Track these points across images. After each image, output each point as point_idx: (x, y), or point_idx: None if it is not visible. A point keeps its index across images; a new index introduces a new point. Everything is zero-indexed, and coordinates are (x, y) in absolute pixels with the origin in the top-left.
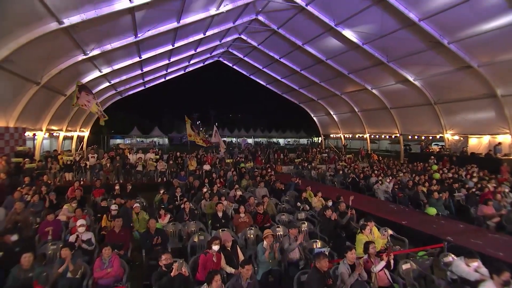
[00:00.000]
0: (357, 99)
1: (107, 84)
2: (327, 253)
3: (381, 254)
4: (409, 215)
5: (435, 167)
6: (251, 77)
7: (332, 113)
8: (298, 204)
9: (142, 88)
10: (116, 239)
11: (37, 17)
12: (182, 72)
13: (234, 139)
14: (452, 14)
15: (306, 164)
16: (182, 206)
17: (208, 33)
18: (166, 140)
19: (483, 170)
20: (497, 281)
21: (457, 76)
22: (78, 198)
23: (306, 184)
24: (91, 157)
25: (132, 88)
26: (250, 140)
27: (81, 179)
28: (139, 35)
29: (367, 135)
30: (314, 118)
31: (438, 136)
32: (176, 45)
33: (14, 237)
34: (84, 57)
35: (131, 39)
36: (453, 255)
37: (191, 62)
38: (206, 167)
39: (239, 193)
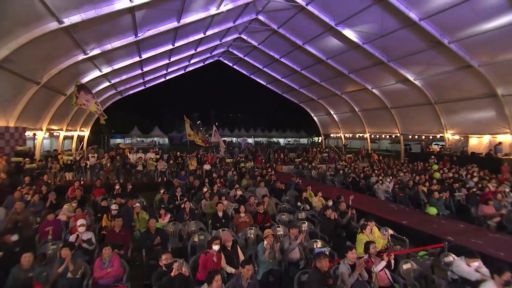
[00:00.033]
0: (357, 98)
1: (107, 83)
2: (327, 253)
3: (382, 254)
4: (409, 215)
5: (435, 166)
6: (251, 76)
7: (332, 112)
8: (299, 203)
9: (142, 87)
10: (116, 239)
11: (37, 17)
12: (182, 71)
13: (234, 138)
14: (452, 14)
15: (306, 164)
16: (182, 205)
17: (208, 32)
18: (166, 140)
19: (483, 170)
20: (498, 281)
21: (457, 76)
22: (78, 198)
23: (306, 183)
24: (91, 156)
25: (132, 88)
26: (250, 140)
27: (81, 178)
28: (139, 35)
29: (367, 135)
30: (314, 118)
31: (438, 136)
32: (176, 44)
33: (14, 237)
34: (84, 56)
35: (131, 39)
36: (453, 255)
37: (191, 61)
38: (206, 166)
39: (239, 192)
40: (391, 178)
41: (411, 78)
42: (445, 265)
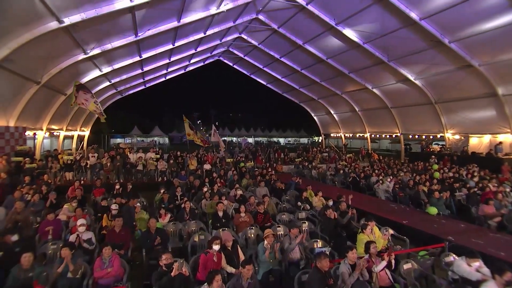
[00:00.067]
0: (357, 98)
1: (108, 83)
2: (327, 252)
3: (382, 254)
4: (410, 215)
5: (435, 166)
6: (252, 76)
7: (332, 112)
8: (299, 203)
9: (143, 87)
10: (116, 238)
11: (37, 17)
12: (182, 71)
13: (235, 138)
14: (453, 14)
15: (306, 164)
16: (183, 205)
17: (209, 32)
18: (167, 140)
19: (484, 170)
20: (499, 281)
21: (457, 75)
22: (79, 198)
23: (306, 183)
24: (92, 156)
25: (133, 88)
26: (250, 140)
27: (82, 178)
28: (139, 34)
29: (367, 135)
30: (315, 118)
31: (438, 136)
32: (177, 44)
33: (15, 237)
34: (85, 56)
35: (131, 38)
36: (454, 255)
37: (192, 61)
38: (207, 166)
39: (239, 192)
40: (391, 177)
41: (411, 77)
42: (446, 265)
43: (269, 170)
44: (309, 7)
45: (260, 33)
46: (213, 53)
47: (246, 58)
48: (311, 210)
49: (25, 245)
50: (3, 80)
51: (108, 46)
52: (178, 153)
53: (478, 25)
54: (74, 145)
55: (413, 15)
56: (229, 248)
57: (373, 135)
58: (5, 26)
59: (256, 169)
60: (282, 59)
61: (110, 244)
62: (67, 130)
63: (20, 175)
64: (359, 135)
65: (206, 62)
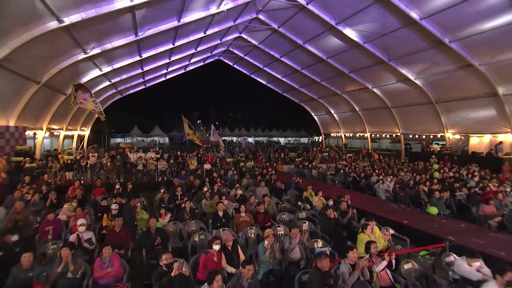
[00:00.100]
0: (357, 98)
1: (108, 83)
2: (328, 252)
3: (383, 253)
4: (410, 215)
5: (436, 166)
6: (252, 76)
7: (332, 112)
8: (299, 203)
9: (143, 87)
10: (116, 238)
11: (37, 16)
12: (182, 71)
13: (235, 138)
14: (453, 13)
15: (306, 163)
16: (183, 205)
17: (209, 32)
18: (167, 139)
19: (484, 169)
20: (500, 281)
21: (458, 75)
22: (79, 197)
23: (306, 183)
24: (92, 156)
25: (133, 87)
26: (250, 139)
27: (82, 178)
28: (139, 34)
29: (367, 134)
30: (315, 117)
31: (439, 135)
32: (177, 44)
33: (15, 237)
34: (85, 56)
35: (131, 38)
36: (455, 255)
37: (192, 61)
38: (207, 166)
39: (239, 192)
40: (391, 177)
41: (411, 77)
42: (446, 265)
43: (269, 169)
44: (309, 6)
45: (260, 33)
46: (213, 52)
47: (246, 57)
48: (311, 210)
49: (25, 245)
50: (3, 79)
51: (108, 46)
52: (178, 152)
53: (478, 25)
54: (74, 145)
55: (414, 14)
56: (229, 248)
57: (373, 135)
58: (5, 26)
59: (256, 168)
60: (282, 58)
61: (110, 244)
62: (67, 129)
63: (20, 174)
64: (359, 135)
65: (206, 62)
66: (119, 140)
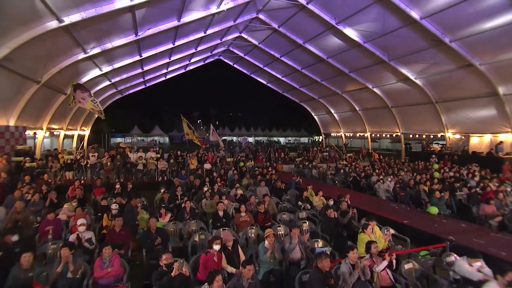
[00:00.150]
0: (358, 97)
1: (108, 82)
2: (328, 252)
3: (383, 253)
4: (410, 214)
5: (436, 166)
6: (252, 75)
7: (333, 111)
8: (299, 203)
9: (143, 86)
10: (116, 238)
11: (37, 16)
12: (182, 70)
13: (235, 138)
14: (453, 13)
15: (307, 163)
16: (183, 205)
17: (209, 31)
18: (167, 139)
19: (484, 169)
20: (501, 282)
21: (458, 75)
22: (79, 197)
23: (307, 183)
24: (92, 156)
25: (133, 87)
26: (250, 139)
27: (82, 178)
28: (139, 34)
29: (368, 134)
30: (315, 117)
31: (439, 135)
32: (177, 43)
33: (15, 237)
34: (85, 55)
35: (131, 38)
36: (455, 255)
37: (192, 60)
38: (207, 166)
39: (240, 192)
40: (392, 177)
41: (412, 77)
42: (447, 265)
43: (270, 169)
44: (310, 6)
45: (261, 33)
46: (213, 52)
47: (246, 57)
48: (311, 209)
49: (25, 245)
50: (3, 79)
51: (108, 46)
52: (179, 152)
53: (478, 25)
54: (74, 145)
55: (414, 14)
56: (230, 248)
57: (373, 135)
58: (5, 26)
59: (257, 168)
60: (282, 58)
61: (110, 244)
62: (67, 129)
63: (20, 174)
64: (360, 135)
65: (206, 62)
66: (119, 140)
